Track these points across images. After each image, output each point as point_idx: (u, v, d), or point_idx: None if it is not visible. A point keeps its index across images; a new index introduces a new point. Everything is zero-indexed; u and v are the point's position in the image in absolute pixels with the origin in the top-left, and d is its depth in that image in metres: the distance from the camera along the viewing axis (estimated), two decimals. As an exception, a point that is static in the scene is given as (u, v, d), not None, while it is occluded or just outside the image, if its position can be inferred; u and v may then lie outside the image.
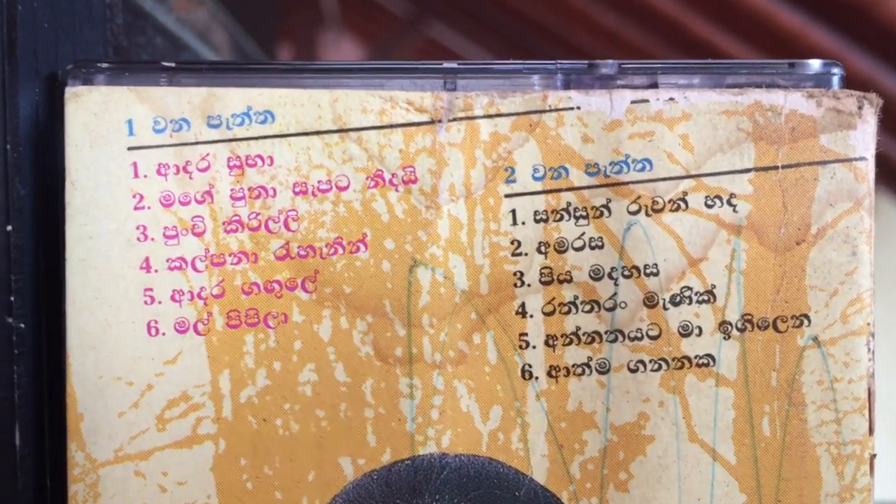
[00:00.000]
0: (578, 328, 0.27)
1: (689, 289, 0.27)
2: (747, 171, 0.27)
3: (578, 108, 0.27)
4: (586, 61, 0.27)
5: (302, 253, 0.27)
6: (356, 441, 0.27)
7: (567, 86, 0.27)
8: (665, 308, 0.27)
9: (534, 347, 0.27)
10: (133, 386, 0.27)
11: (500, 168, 0.27)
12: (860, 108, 0.27)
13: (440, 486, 0.27)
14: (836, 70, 0.27)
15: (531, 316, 0.27)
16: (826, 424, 0.27)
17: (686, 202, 0.27)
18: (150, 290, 0.27)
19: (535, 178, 0.27)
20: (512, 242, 0.27)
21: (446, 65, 0.27)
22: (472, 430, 0.27)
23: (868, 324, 0.27)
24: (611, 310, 0.27)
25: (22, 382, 0.27)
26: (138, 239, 0.27)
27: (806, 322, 0.27)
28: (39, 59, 0.28)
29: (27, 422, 0.27)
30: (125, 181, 0.27)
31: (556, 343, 0.27)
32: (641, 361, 0.27)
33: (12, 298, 0.27)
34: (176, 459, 0.27)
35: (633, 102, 0.27)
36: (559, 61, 0.28)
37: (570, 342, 0.27)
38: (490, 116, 0.27)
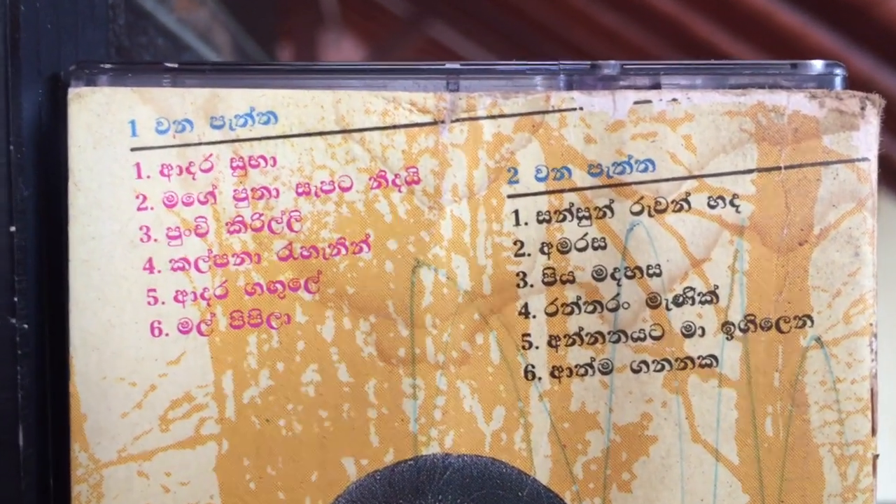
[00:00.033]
0: (581, 329, 0.27)
1: (692, 289, 0.27)
2: (750, 171, 0.27)
3: (581, 108, 0.27)
4: (589, 62, 0.27)
5: (305, 253, 0.27)
6: (359, 441, 0.27)
7: (570, 86, 0.27)
8: (668, 308, 0.27)
9: (537, 348, 0.27)
10: (136, 386, 0.27)
11: (502, 169, 0.27)
12: (863, 108, 0.27)
13: (443, 486, 0.27)
14: (838, 71, 0.27)
15: (534, 316, 0.27)
16: (829, 425, 0.27)
17: (689, 203, 0.27)
18: (154, 290, 0.27)
19: (538, 179, 0.27)
20: (515, 243, 0.27)
21: (449, 65, 0.27)
22: (474, 430, 0.27)
23: (871, 324, 0.27)
24: (613, 310, 0.27)
25: (25, 383, 0.27)
26: (141, 240, 0.27)
27: (809, 322, 0.27)
28: (42, 60, 0.28)
29: (30, 422, 0.27)
30: (128, 182, 0.27)
31: (558, 343, 0.27)
32: (644, 362, 0.27)
33: (16, 299, 0.27)
34: (179, 460, 0.27)
35: (635, 103, 0.27)
36: (562, 62, 0.28)
37: (573, 343, 0.27)
38: (493, 117, 0.27)
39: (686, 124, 0.27)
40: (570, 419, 0.27)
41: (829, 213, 0.27)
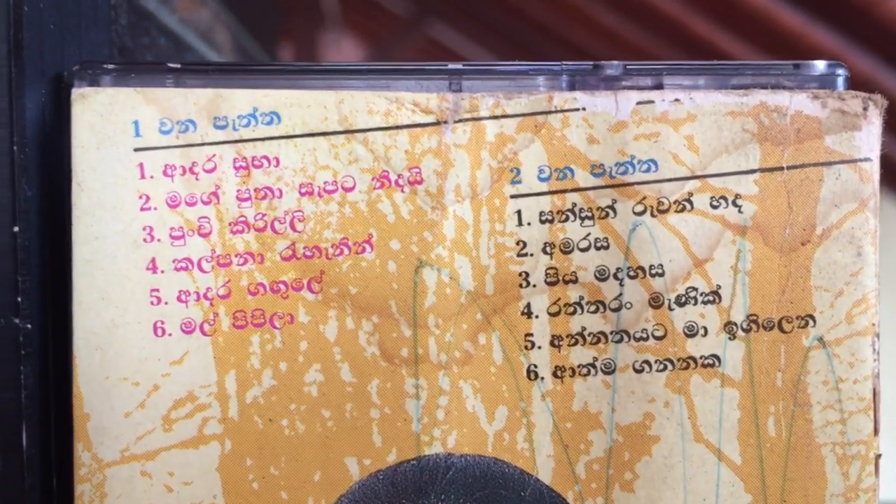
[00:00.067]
0: (584, 328, 0.27)
1: (695, 289, 0.27)
2: (752, 171, 0.27)
3: (584, 109, 0.27)
4: (592, 62, 0.27)
5: (308, 253, 0.27)
6: (362, 441, 0.27)
7: (572, 87, 0.27)
8: (670, 308, 0.27)
9: (539, 348, 0.27)
10: (139, 386, 0.27)
11: (505, 169, 0.27)
12: (865, 109, 0.27)
13: (446, 486, 0.27)
14: (840, 71, 0.27)
15: (536, 316, 0.27)
16: (831, 425, 0.27)
17: (691, 203, 0.27)
18: (157, 290, 0.27)
19: (541, 179, 0.27)
20: (517, 243, 0.27)
21: (452, 66, 0.27)
22: (477, 430, 0.27)
23: (873, 324, 0.27)
24: (616, 310, 0.27)
25: (28, 383, 0.27)
26: (144, 240, 0.27)
27: (811, 322, 0.27)
28: (45, 61, 0.28)
29: (34, 422, 0.27)
30: (131, 182, 0.27)
31: (561, 343, 0.27)
32: (647, 362, 0.27)
33: (19, 299, 0.27)
34: (182, 459, 0.27)
35: (638, 103, 0.27)
36: (564, 62, 0.28)
37: (576, 342, 0.27)
38: (495, 117, 0.27)
39: (688, 124, 0.27)
40: (573, 419, 0.27)
41: (831, 214, 0.27)
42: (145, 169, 0.27)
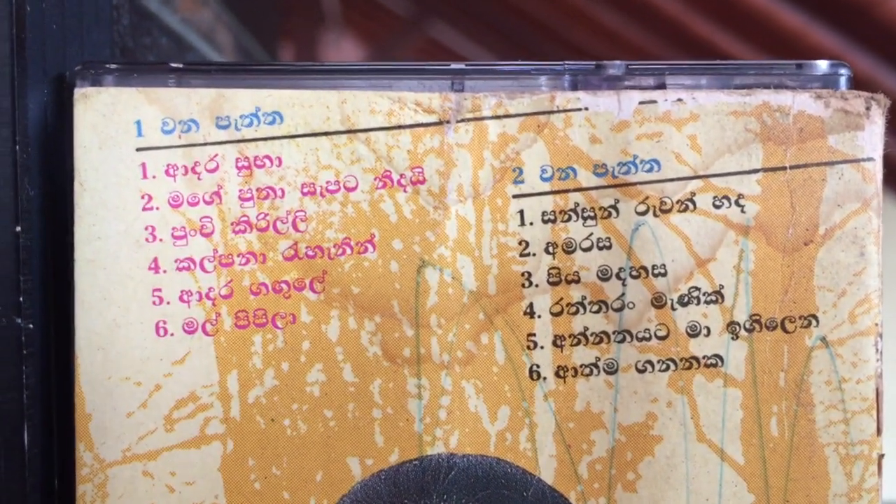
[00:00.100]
0: (586, 328, 0.27)
1: (697, 289, 0.27)
2: (755, 171, 0.27)
3: (586, 108, 0.27)
4: (594, 62, 0.27)
5: (310, 253, 0.27)
6: (364, 441, 0.27)
7: (575, 87, 0.27)
8: (673, 308, 0.27)
9: (542, 348, 0.27)
10: (141, 386, 0.27)
11: (508, 169, 0.27)
12: (868, 108, 0.27)
13: (448, 486, 0.27)
14: (843, 71, 0.27)
15: (539, 316, 0.27)
16: (834, 425, 0.27)
17: (694, 203, 0.27)
18: (159, 290, 0.27)
19: (543, 179, 0.27)
20: (520, 243, 0.27)
21: (454, 66, 0.27)
22: (480, 430, 0.27)
23: (876, 324, 0.27)
24: (619, 310, 0.27)
25: (30, 383, 0.27)
26: (147, 240, 0.27)
27: (814, 322, 0.27)
28: (48, 61, 0.28)
29: (35, 422, 0.27)
30: (134, 182, 0.27)
31: (563, 343, 0.27)
32: (649, 362, 0.27)
33: (21, 299, 0.27)
34: (184, 459, 0.27)
35: (640, 103, 0.27)
36: (567, 62, 0.28)
37: (578, 342, 0.27)
38: (498, 117, 0.27)
39: (691, 124, 0.27)
40: (575, 419, 0.27)
41: (834, 213, 0.27)
42: (147, 169, 0.27)
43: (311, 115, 0.27)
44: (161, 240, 0.27)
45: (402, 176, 0.27)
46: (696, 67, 0.27)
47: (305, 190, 0.27)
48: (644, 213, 0.27)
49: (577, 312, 0.27)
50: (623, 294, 0.27)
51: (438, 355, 0.27)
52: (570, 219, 0.27)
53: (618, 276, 0.27)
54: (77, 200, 0.26)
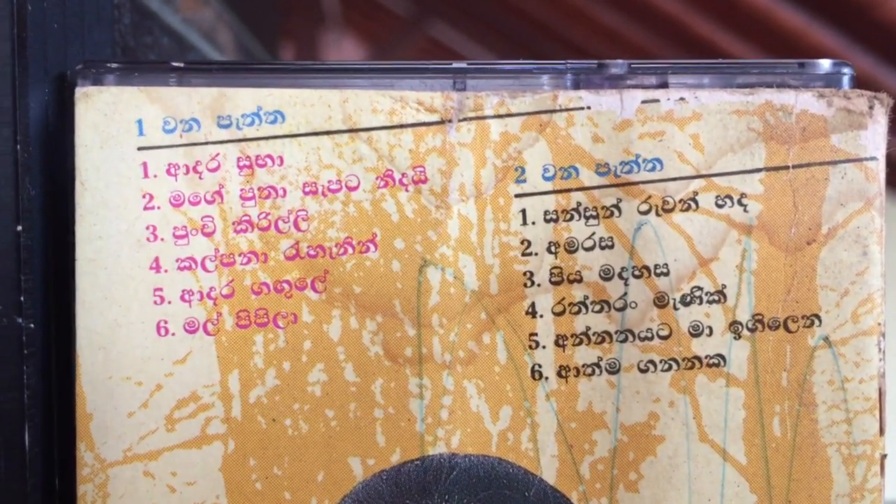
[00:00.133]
0: (588, 328, 0.27)
1: (700, 289, 0.27)
2: (758, 170, 0.27)
3: (589, 107, 0.27)
4: (596, 61, 0.27)
5: (312, 253, 0.27)
6: (365, 441, 0.27)
7: (577, 86, 0.27)
8: (675, 308, 0.27)
9: (543, 347, 0.27)
10: (142, 386, 0.27)
11: (510, 168, 0.27)
12: (871, 107, 0.27)
13: (450, 486, 0.27)
14: (846, 70, 0.27)
15: (541, 316, 0.27)
16: (837, 424, 0.27)
17: (696, 202, 0.27)
18: (160, 290, 0.27)
19: (546, 178, 0.27)
20: (522, 242, 0.27)
21: (456, 65, 0.27)
22: (481, 430, 0.27)
23: (879, 324, 0.27)
24: (621, 310, 0.27)
25: (31, 382, 0.27)
26: (148, 239, 0.27)
27: (817, 322, 0.27)
28: (49, 60, 0.28)
29: (36, 422, 0.27)
30: (135, 181, 0.27)
31: (565, 343, 0.27)
32: (652, 361, 0.27)
33: (22, 298, 0.27)
34: (185, 460, 0.27)
35: (643, 102, 0.27)
36: (569, 61, 0.27)
37: (580, 342, 0.27)
38: (500, 116, 0.27)
39: (694, 123, 0.27)
40: (577, 419, 0.27)
41: (837, 213, 0.27)
42: (149, 168, 0.27)
43: (312, 114, 0.27)
44: (162, 239, 0.27)
45: (403, 175, 0.27)
46: (699, 66, 0.27)
47: (307, 189, 0.27)
48: (646, 213, 0.27)
49: (579, 312, 0.27)
50: (625, 294, 0.27)
51: (440, 355, 0.27)
52: (572, 218, 0.27)
53: (620, 276, 0.27)
54: (78, 200, 0.26)
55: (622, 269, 0.27)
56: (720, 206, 0.27)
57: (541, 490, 0.27)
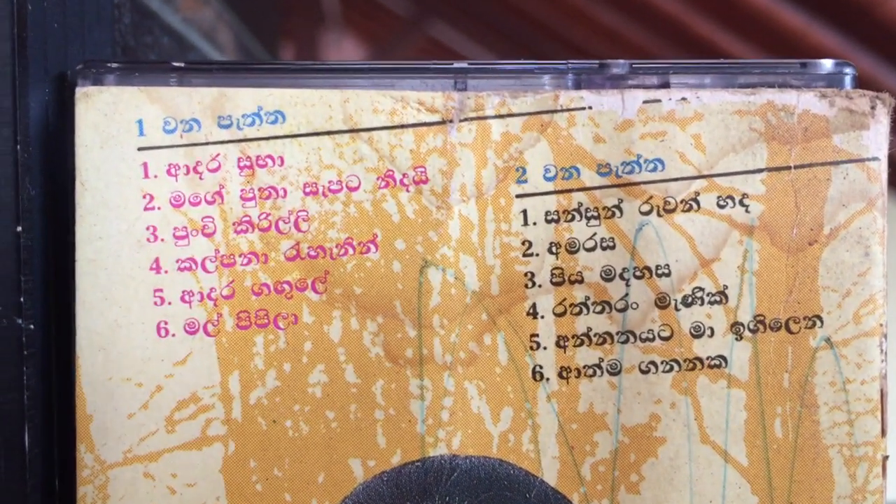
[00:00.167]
0: (589, 329, 0.27)
1: (701, 289, 0.27)
2: (760, 171, 0.27)
3: (590, 108, 0.27)
4: (597, 61, 0.27)
5: (312, 253, 0.27)
6: (366, 442, 0.27)
7: (578, 86, 0.27)
8: (677, 309, 0.27)
9: (545, 348, 0.27)
10: (142, 387, 0.27)
11: (511, 168, 0.27)
12: (873, 108, 0.27)
13: (450, 487, 0.27)
14: (848, 70, 0.27)
15: (542, 317, 0.27)
16: (838, 426, 0.27)
17: (698, 202, 0.27)
18: (160, 290, 0.27)
19: (547, 179, 0.27)
20: (523, 243, 0.27)
21: (457, 65, 0.27)
22: (482, 431, 0.27)
23: (881, 325, 0.27)
24: (622, 310, 0.27)
25: (31, 383, 0.27)
26: (148, 240, 0.27)
27: (818, 323, 0.27)
28: (49, 60, 0.28)
29: (36, 423, 0.27)
30: (135, 181, 0.26)
31: (567, 344, 0.27)
32: (653, 362, 0.27)
33: (22, 299, 0.27)
34: (185, 461, 0.27)
35: (644, 102, 0.27)
36: (570, 61, 0.27)
37: (581, 343, 0.27)
38: (501, 116, 0.27)
39: (695, 123, 0.27)
40: (579, 420, 0.27)
41: (839, 213, 0.27)
42: (149, 168, 0.27)
43: (313, 114, 0.27)
44: (162, 240, 0.27)
45: (404, 175, 0.27)
46: (701, 66, 0.27)
47: (308, 190, 0.27)
48: (648, 213, 0.27)
49: (580, 313, 0.27)
50: (626, 294, 0.27)
51: (441, 356, 0.27)
52: (573, 219, 0.27)
53: (621, 277, 0.27)
54: (78, 200, 0.26)
55: (623, 269, 0.27)
56: (722, 207, 0.27)
57: (542, 492, 0.27)
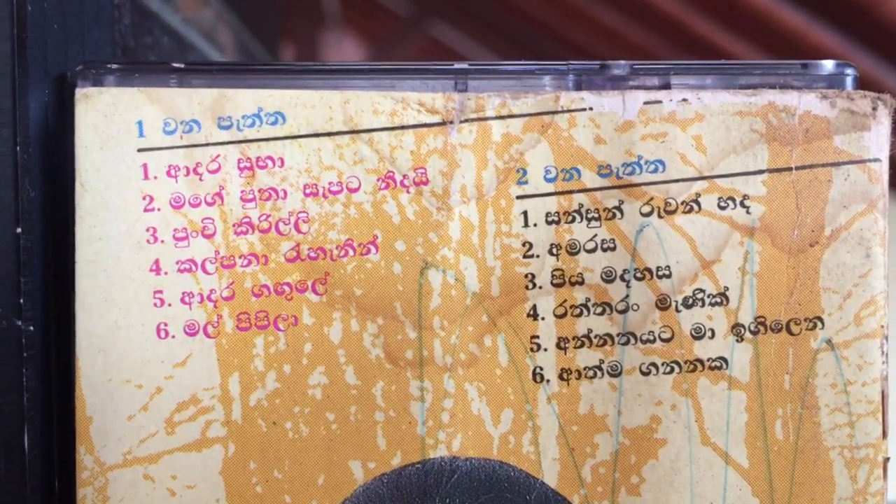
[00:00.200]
0: (590, 330, 0.27)
1: (702, 291, 0.27)
2: (760, 172, 0.27)
3: (591, 109, 0.27)
4: (598, 62, 0.27)
5: (312, 255, 0.27)
6: (366, 444, 0.27)
7: (579, 87, 0.27)
8: (677, 310, 0.27)
9: (545, 350, 0.27)
10: (142, 389, 0.26)
11: (511, 169, 0.27)
12: (874, 109, 0.27)
13: (451, 489, 0.27)
14: (849, 71, 0.27)
15: (542, 318, 0.27)
16: (839, 428, 0.27)
17: (699, 204, 0.27)
18: (160, 292, 0.27)
19: (547, 180, 0.27)
20: (523, 244, 0.27)
21: (457, 66, 0.27)
22: (482, 433, 0.27)
23: (882, 326, 0.27)
24: (623, 312, 0.27)
25: (31, 385, 0.27)
26: (148, 241, 0.26)
27: (819, 324, 0.27)
28: (49, 60, 0.28)
29: (36, 424, 0.27)
30: (135, 183, 0.26)
31: (567, 345, 0.27)
32: (654, 364, 0.27)
33: (21, 301, 0.27)
34: (185, 463, 0.27)
35: (645, 103, 0.27)
36: (571, 62, 0.27)
37: (582, 345, 0.27)
38: (502, 117, 0.27)
39: (696, 125, 0.27)
40: (579, 422, 0.27)
41: (840, 215, 0.27)
42: (149, 169, 0.26)
43: (313, 115, 0.27)
44: (162, 241, 0.27)
45: (405, 177, 0.27)
46: (702, 67, 0.27)
47: (308, 191, 0.27)
48: (648, 215, 0.27)
49: (580, 314, 0.27)
50: (627, 296, 0.27)
51: (441, 358, 0.27)
52: (574, 220, 0.27)
53: (622, 278, 0.27)
54: (78, 201, 0.26)
55: (624, 271, 0.27)
56: (722, 208, 0.27)
57: (542, 493, 0.27)
